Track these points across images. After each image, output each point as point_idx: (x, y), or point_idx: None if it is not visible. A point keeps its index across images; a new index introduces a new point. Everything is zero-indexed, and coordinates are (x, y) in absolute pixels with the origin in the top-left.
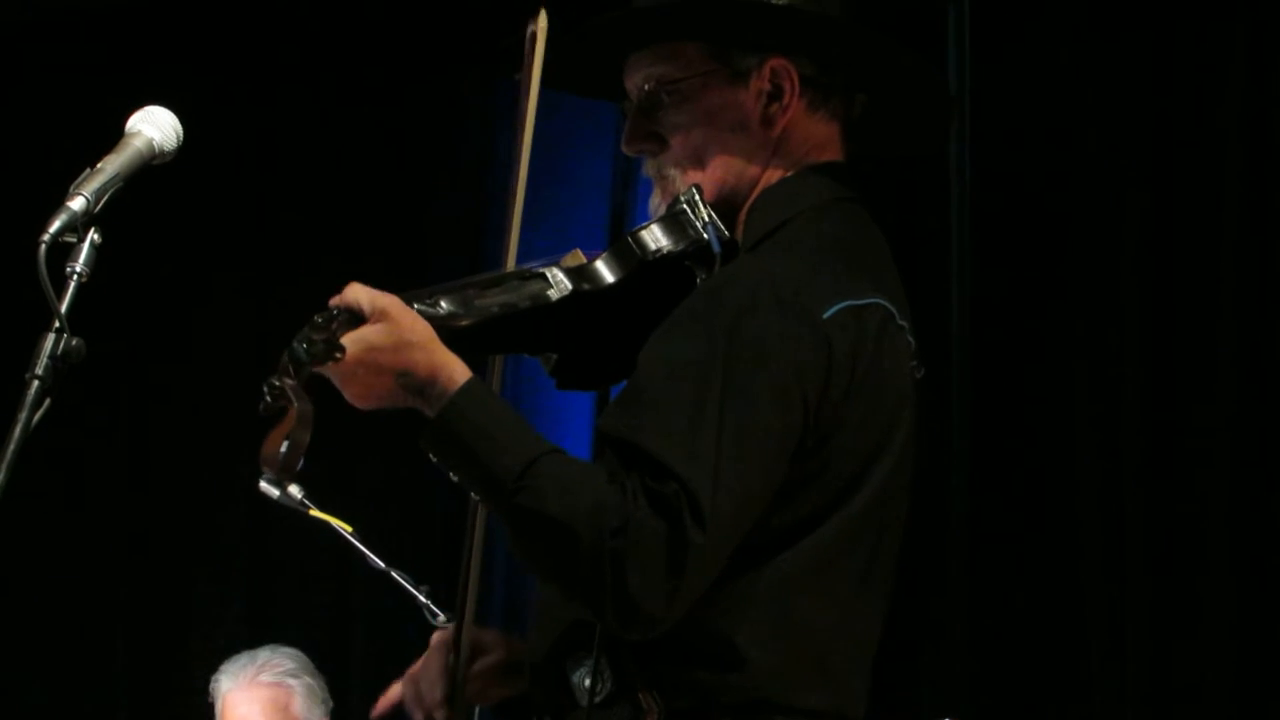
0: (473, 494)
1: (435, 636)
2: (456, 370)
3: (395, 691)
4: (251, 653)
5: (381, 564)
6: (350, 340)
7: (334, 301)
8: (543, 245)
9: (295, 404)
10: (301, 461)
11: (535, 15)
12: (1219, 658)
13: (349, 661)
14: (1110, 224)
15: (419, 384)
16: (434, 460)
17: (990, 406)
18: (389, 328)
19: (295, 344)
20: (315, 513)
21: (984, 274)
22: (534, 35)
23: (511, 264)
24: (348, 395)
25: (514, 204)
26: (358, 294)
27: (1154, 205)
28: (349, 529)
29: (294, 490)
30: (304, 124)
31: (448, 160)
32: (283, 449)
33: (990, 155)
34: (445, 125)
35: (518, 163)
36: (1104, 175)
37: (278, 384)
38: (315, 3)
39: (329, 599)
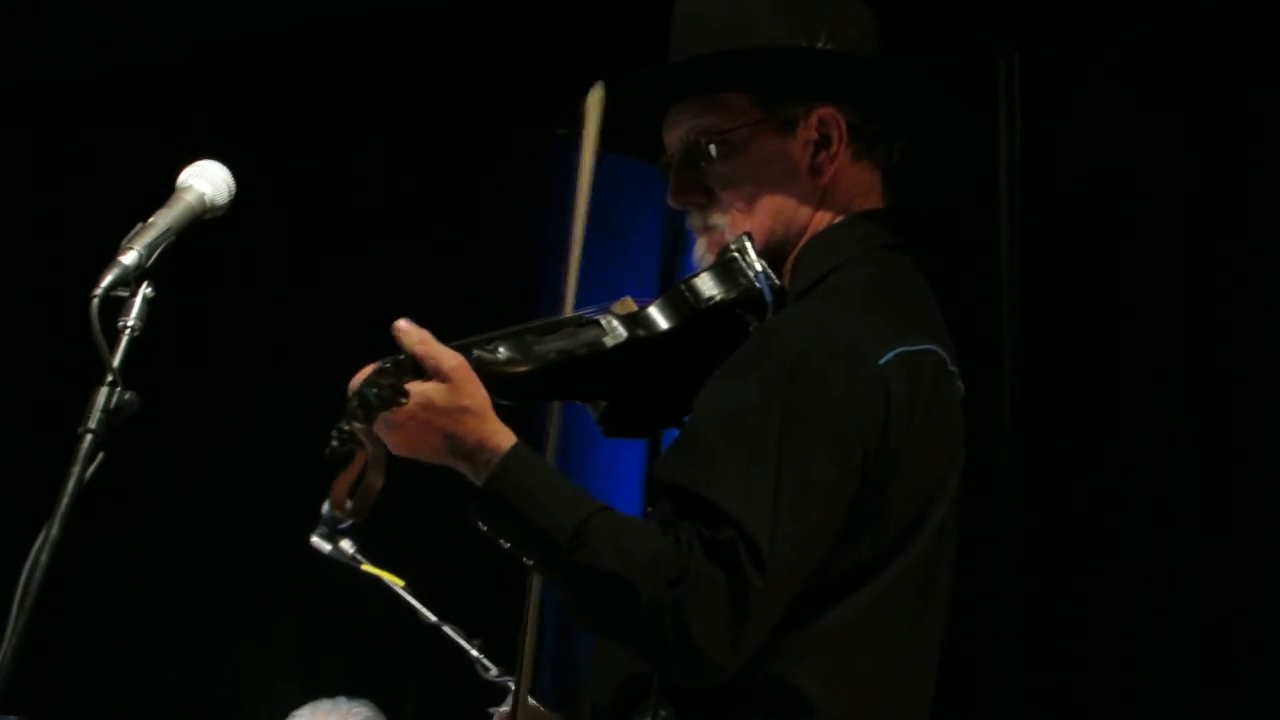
0: (524, 559)
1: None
2: (503, 437)
3: None
4: (322, 700)
5: (434, 618)
6: (411, 390)
7: (404, 346)
8: (593, 300)
9: (368, 447)
10: (373, 504)
11: (592, 89)
12: (1272, 685)
13: (403, 717)
14: (1162, 273)
15: (466, 450)
16: (483, 528)
17: (1040, 440)
18: (451, 390)
19: (364, 388)
20: (367, 568)
21: (1034, 324)
22: (589, 109)
23: (569, 311)
24: (387, 440)
25: (571, 260)
26: (427, 347)
27: (1205, 253)
28: (401, 583)
29: (345, 545)
30: (355, 180)
31: (499, 216)
32: (355, 494)
33: (1042, 207)
34: (495, 181)
35: (575, 222)
36: (1156, 224)
37: (346, 428)
38: (364, 61)
39: (381, 654)
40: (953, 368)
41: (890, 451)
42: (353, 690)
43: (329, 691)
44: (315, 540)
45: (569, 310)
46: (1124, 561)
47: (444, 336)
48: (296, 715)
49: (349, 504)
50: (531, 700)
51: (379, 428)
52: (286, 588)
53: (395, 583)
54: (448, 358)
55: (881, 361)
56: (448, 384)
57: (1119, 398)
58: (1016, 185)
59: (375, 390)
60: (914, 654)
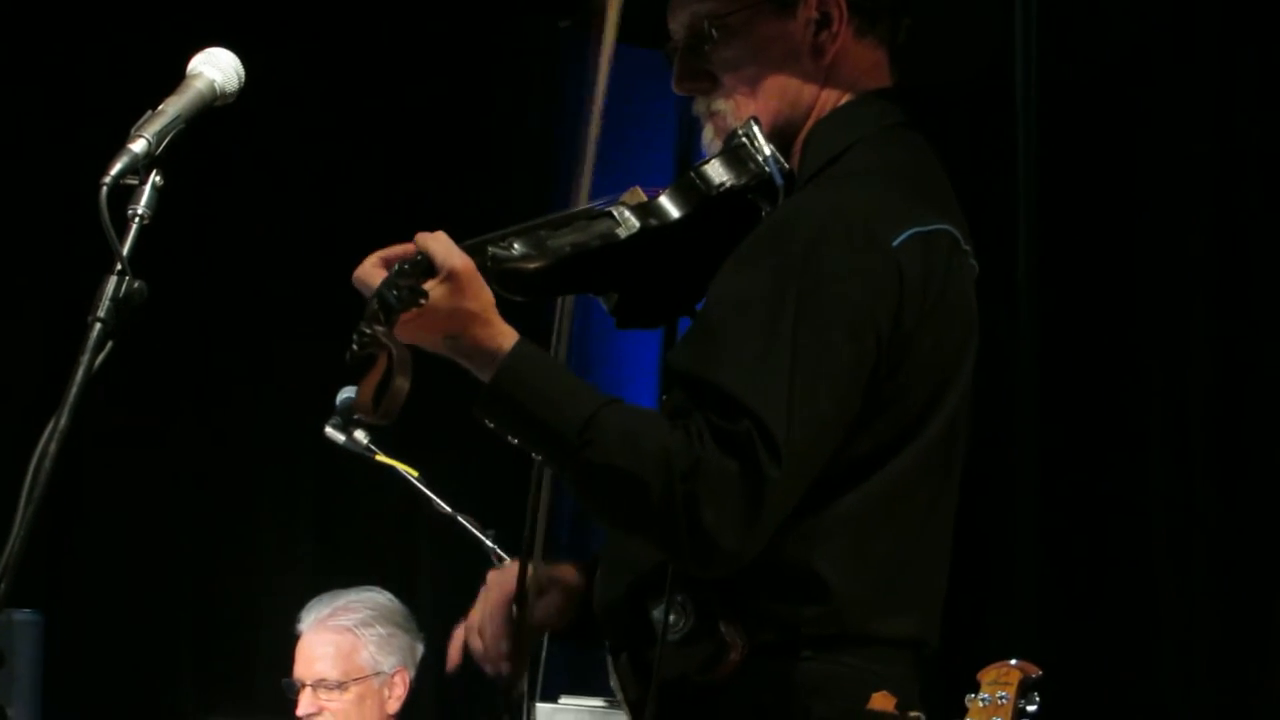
0: (534, 455)
1: (491, 577)
2: (505, 337)
3: (460, 641)
4: (336, 593)
5: (448, 509)
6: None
7: (418, 243)
8: (608, 188)
9: (393, 350)
10: (401, 407)
11: None
12: None
13: (416, 607)
14: (1182, 153)
15: (467, 350)
16: (491, 426)
17: (1058, 320)
18: (450, 291)
19: (384, 290)
20: (381, 458)
21: (1052, 197)
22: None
23: (583, 203)
24: (397, 332)
25: (587, 147)
26: (437, 246)
27: (1225, 132)
28: (415, 473)
29: (360, 436)
30: (370, 76)
31: (515, 109)
32: (384, 395)
33: (1058, 89)
34: (504, 74)
35: (591, 107)
36: (1174, 104)
37: (369, 331)
38: None
39: (396, 544)
40: (966, 246)
41: (904, 334)
42: (368, 580)
43: (344, 582)
44: (329, 430)
45: (584, 201)
46: (1141, 453)
47: (456, 236)
48: (308, 610)
49: (376, 407)
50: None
51: None
52: (301, 478)
53: (409, 473)
54: (454, 257)
55: (895, 243)
56: (450, 284)
57: (1138, 283)
58: (1032, 65)
59: (395, 292)
60: (929, 537)
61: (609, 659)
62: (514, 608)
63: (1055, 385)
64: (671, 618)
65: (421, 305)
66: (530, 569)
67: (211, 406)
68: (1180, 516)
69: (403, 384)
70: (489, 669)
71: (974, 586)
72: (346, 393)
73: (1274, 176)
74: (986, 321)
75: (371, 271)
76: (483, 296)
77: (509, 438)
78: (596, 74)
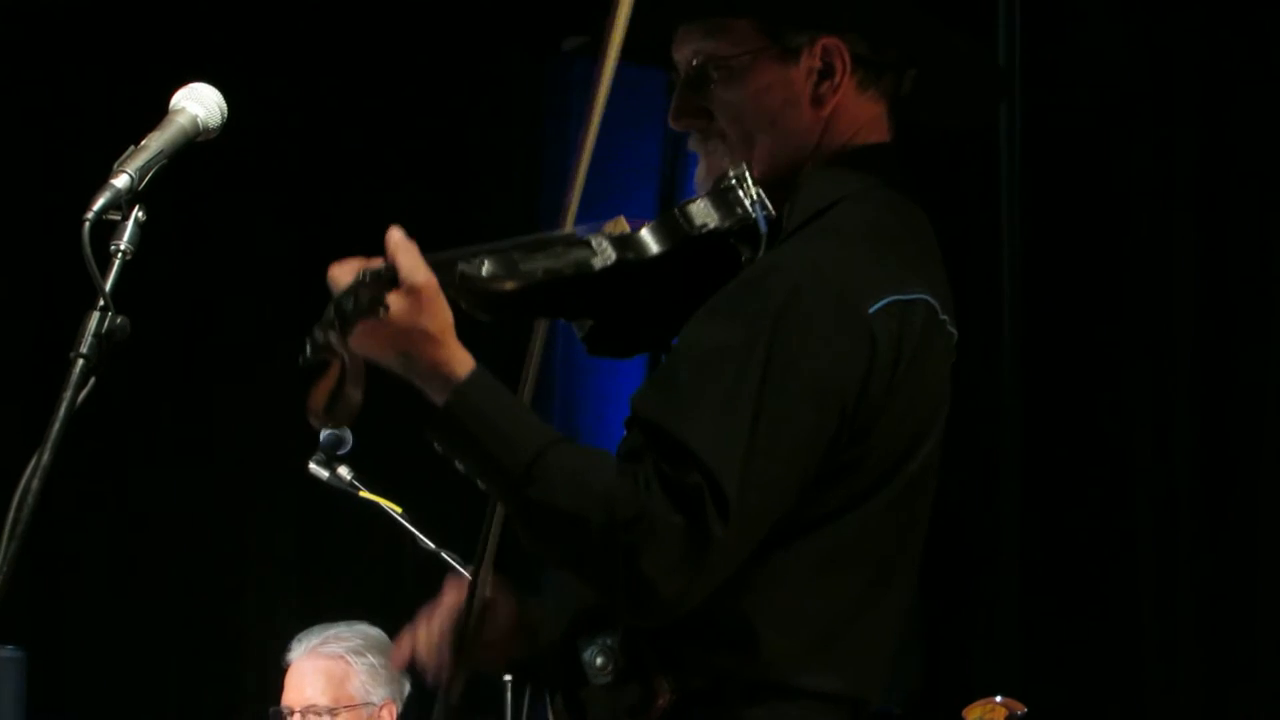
0: (480, 484)
1: (447, 584)
2: (460, 362)
3: (408, 646)
4: (326, 625)
5: (431, 545)
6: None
7: (388, 246)
8: (591, 219)
9: (345, 358)
10: (353, 415)
11: None
12: (1272, 639)
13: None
14: (1163, 197)
15: (420, 369)
16: (439, 450)
17: (1042, 377)
18: (410, 306)
19: (344, 297)
20: (365, 494)
21: (1035, 249)
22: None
23: (569, 226)
24: (352, 342)
25: (580, 164)
26: (404, 258)
27: (1208, 179)
28: (399, 510)
29: (343, 472)
30: (357, 100)
31: (502, 135)
32: (336, 403)
33: (1041, 129)
34: (499, 101)
35: (589, 120)
36: (1157, 147)
37: (321, 338)
38: None
39: (380, 580)
40: (944, 316)
41: (871, 403)
42: (353, 616)
43: (329, 618)
44: (313, 467)
45: (570, 224)
46: (1127, 493)
47: (445, 247)
48: (298, 640)
49: (327, 413)
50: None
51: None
52: (285, 514)
53: (393, 509)
54: (418, 272)
55: (871, 310)
56: (410, 299)
57: (1124, 322)
58: (1015, 109)
59: (354, 300)
60: (874, 597)
61: (547, 698)
62: (461, 618)
63: (1039, 424)
64: (600, 660)
65: (379, 316)
66: (482, 578)
67: (195, 443)
68: (1165, 558)
69: (354, 393)
70: (429, 676)
71: (958, 624)
72: (329, 430)
73: (1260, 219)
74: (970, 366)
75: (345, 274)
76: (441, 317)
77: (456, 463)
78: (595, 96)
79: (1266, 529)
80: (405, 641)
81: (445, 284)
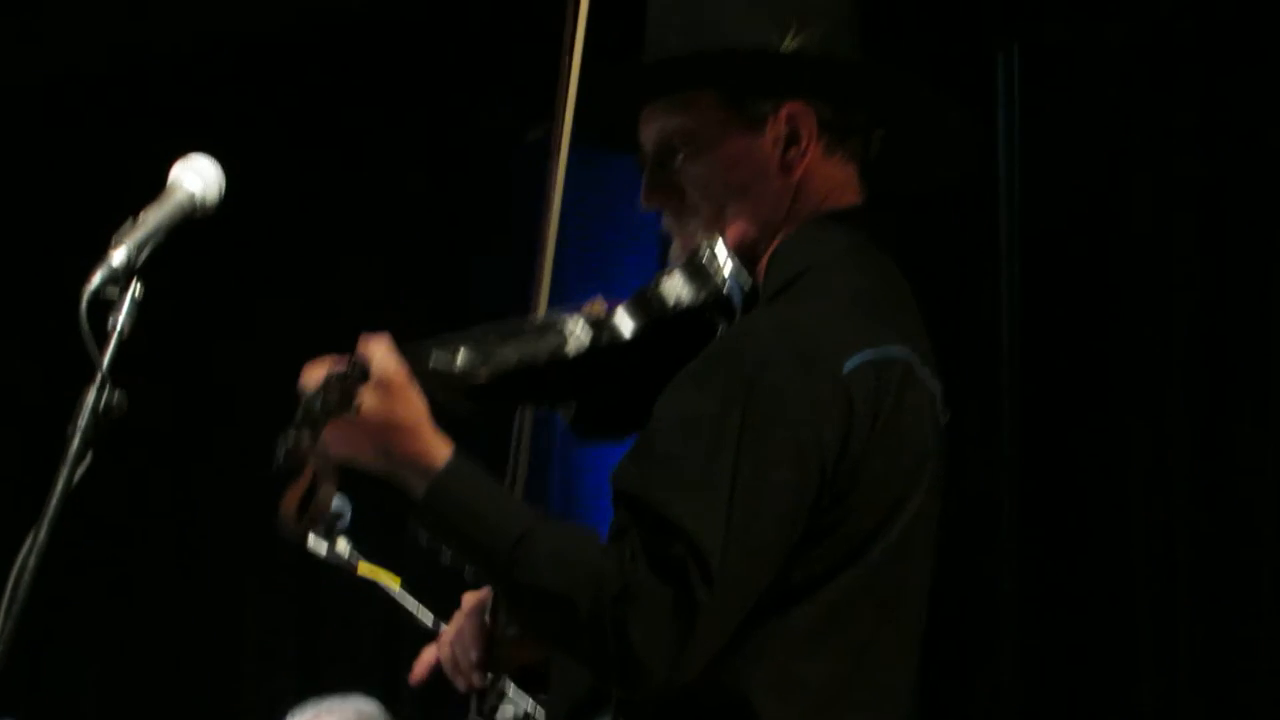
0: (467, 569)
1: (467, 598)
2: (439, 451)
3: (431, 655)
4: (320, 698)
5: (429, 622)
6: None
7: (359, 346)
8: (591, 289)
9: (318, 460)
10: (327, 517)
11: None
12: (1274, 694)
13: (401, 718)
14: (1162, 269)
15: (398, 461)
16: (425, 540)
17: (1040, 439)
18: (382, 400)
19: (314, 396)
20: (364, 569)
21: (1035, 320)
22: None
23: (542, 308)
24: (327, 441)
25: (545, 250)
26: (374, 351)
27: (1205, 250)
28: (397, 583)
29: (342, 547)
30: (349, 174)
31: (494, 211)
32: (308, 506)
33: (1042, 202)
34: (491, 176)
35: (548, 216)
36: (1156, 221)
37: (293, 441)
38: (358, 56)
39: (380, 654)
40: (923, 371)
41: (850, 463)
42: (349, 689)
43: (325, 690)
44: (311, 543)
45: (542, 307)
46: (1123, 549)
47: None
48: (296, 710)
49: (299, 517)
50: None
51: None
52: (283, 588)
53: (391, 584)
54: (386, 365)
55: (846, 370)
56: (382, 392)
57: (1118, 390)
58: (1015, 180)
59: (325, 398)
60: (875, 664)
61: None
62: (486, 617)
63: (1037, 475)
64: None
65: (352, 413)
66: None
67: (191, 517)
68: (1162, 615)
69: (328, 493)
70: (459, 682)
71: (955, 678)
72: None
73: (1258, 275)
74: (966, 424)
75: (314, 378)
76: (415, 407)
77: (443, 550)
78: (552, 183)
79: (1270, 589)
80: (428, 652)
81: (417, 375)
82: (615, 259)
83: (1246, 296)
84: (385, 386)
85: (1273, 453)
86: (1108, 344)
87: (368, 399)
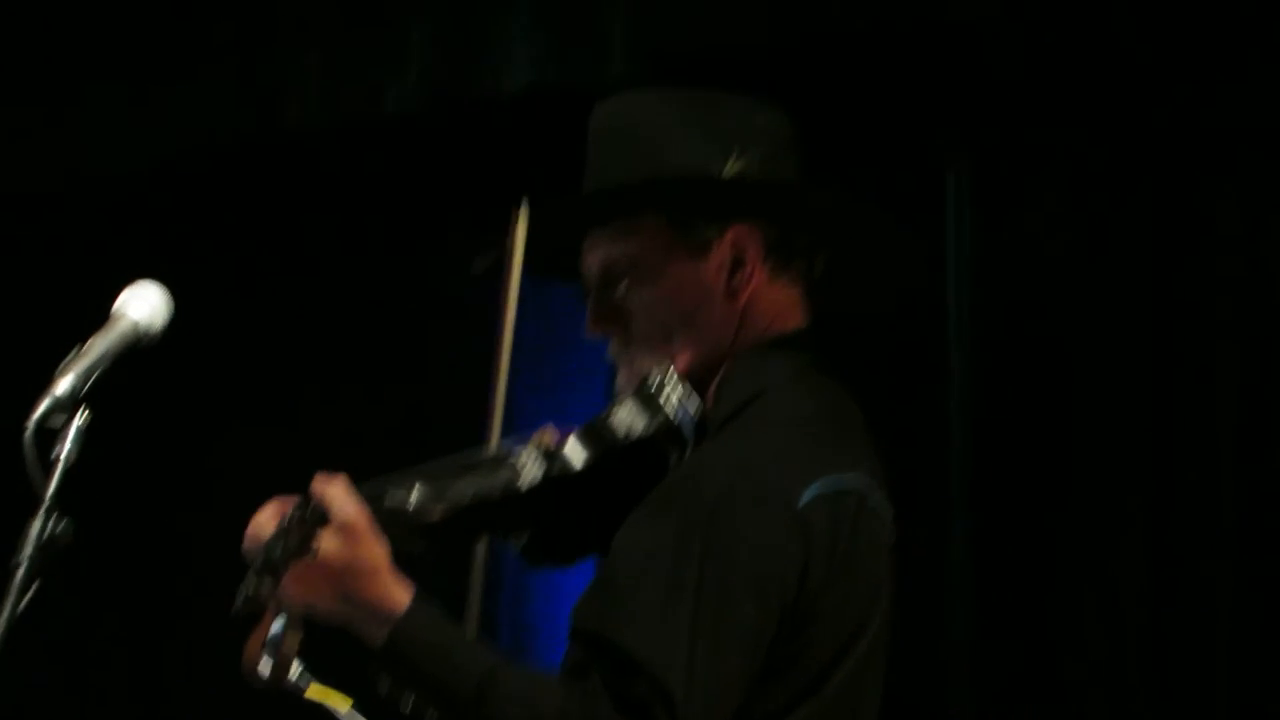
0: (430, 715)
1: None
2: (400, 595)
3: None
4: None
5: None
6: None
7: (314, 488)
8: (540, 418)
9: (278, 607)
10: (293, 668)
11: (517, 207)
12: None
13: None
14: (1114, 386)
15: (360, 604)
16: (383, 690)
17: (991, 558)
18: (342, 543)
19: (273, 542)
20: (313, 692)
21: (984, 438)
22: (513, 233)
23: (494, 444)
24: (286, 588)
25: (496, 391)
26: (332, 496)
27: (1156, 367)
28: (348, 704)
29: (293, 672)
30: (306, 292)
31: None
32: (271, 656)
33: (991, 320)
34: (450, 305)
35: (500, 349)
36: (1106, 338)
37: (252, 588)
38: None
39: None
40: (875, 498)
41: (809, 595)
42: None
43: None
44: (263, 664)
45: (495, 440)
46: (1077, 663)
47: (383, 468)
48: None
49: (264, 665)
50: None
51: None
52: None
53: (340, 708)
54: (346, 508)
55: (801, 503)
56: (342, 536)
57: (1069, 509)
58: (965, 298)
59: (283, 544)
60: None
61: None
62: None
63: (987, 597)
64: None
65: (311, 557)
66: None
67: (136, 647)
68: None
69: (292, 640)
70: None
71: None
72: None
73: (1206, 389)
74: (914, 543)
75: (268, 521)
76: (377, 550)
77: (407, 696)
78: (503, 315)
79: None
80: None
81: (375, 516)
82: (564, 382)
83: (1196, 412)
84: (346, 530)
85: (1225, 574)
86: (1059, 462)
87: (328, 543)
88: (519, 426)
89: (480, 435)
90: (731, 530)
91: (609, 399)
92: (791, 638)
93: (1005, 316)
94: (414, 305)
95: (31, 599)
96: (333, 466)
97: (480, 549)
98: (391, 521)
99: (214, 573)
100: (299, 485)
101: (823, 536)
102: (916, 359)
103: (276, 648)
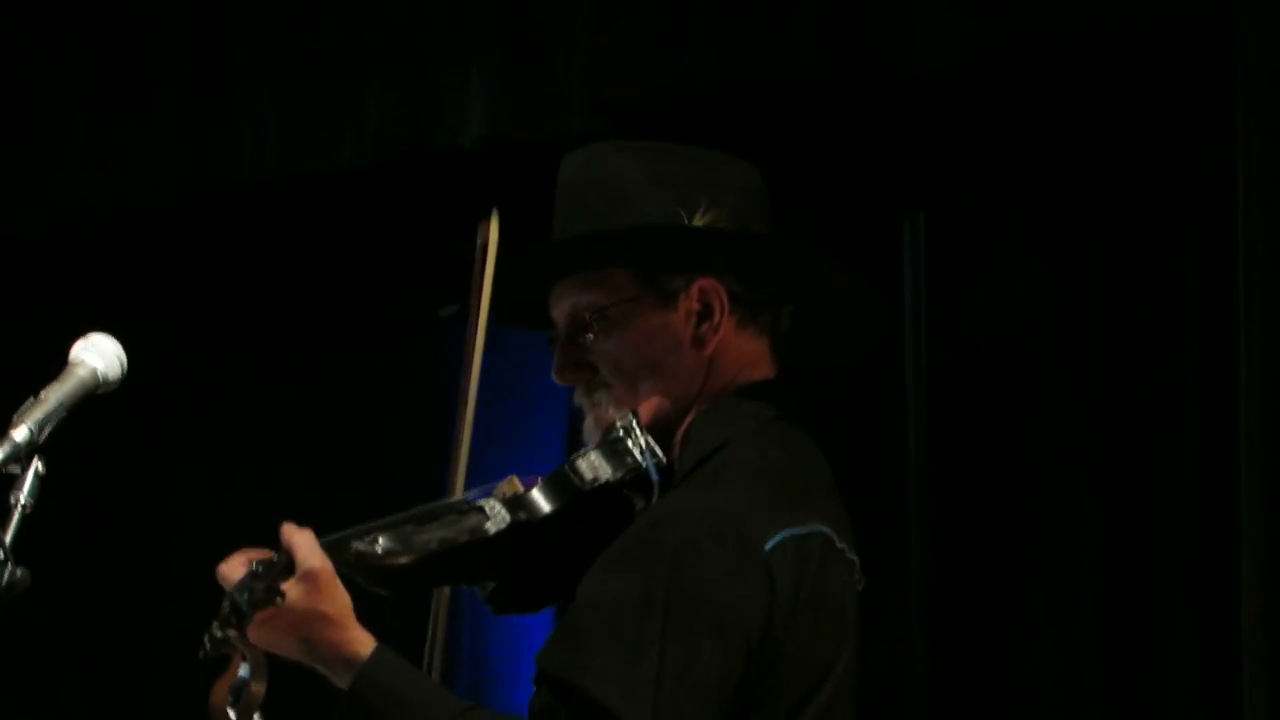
0: None
1: None
2: (363, 643)
3: None
4: None
5: None
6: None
7: (282, 537)
8: (496, 466)
9: (245, 652)
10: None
11: (487, 219)
12: None
13: None
14: (1070, 434)
15: (322, 653)
16: None
17: (951, 604)
18: (306, 592)
19: (239, 590)
20: None
21: (942, 485)
22: (484, 244)
23: (459, 491)
24: (251, 634)
25: (461, 436)
26: (298, 544)
27: (1112, 411)
28: None
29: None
30: (264, 346)
31: (405, 387)
32: (239, 700)
33: (947, 369)
34: (403, 351)
35: (466, 387)
36: (1062, 387)
37: (219, 634)
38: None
39: None
40: (842, 544)
41: (775, 638)
42: None
43: None
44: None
45: (459, 487)
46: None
47: (341, 523)
48: None
49: (229, 710)
50: None
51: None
52: None
53: None
54: (314, 557)
55: (767, 548)
56: (306, 584)
57: (1028, 553)
58: (921, 346)
59: (249, 592)
60: None
61: None
62: None
63: (948, 643)
64: None
65: (276, 605)
66: None
67: (98, 693)
68: None
69: (258, 686)
70: None
71: None
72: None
73: (1166, 438)
74: (876, 589)
75: (235, 569)
76: (340, 600)
77: None
78: (469, 363)
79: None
80: None
81: (340, 564)
82: (524, 430)
83: (1154, 460)
84: (311, 579)
85: (1182, 607)
86: (1016, 508)
87: (293, 591)
88: (477, 477)
89: (441, 486)
90: (696, 575)
91: (567, 450)
92: (758, 680)
93: (961, 363)
94: (371, 358)
95: None
96: (295, 517)
97: (442, 600)
98: (357, 568)
99: (179, 620)
100: (263, 536)
101: (788, 576)
102: (873, 405)
103: (240, 693)
